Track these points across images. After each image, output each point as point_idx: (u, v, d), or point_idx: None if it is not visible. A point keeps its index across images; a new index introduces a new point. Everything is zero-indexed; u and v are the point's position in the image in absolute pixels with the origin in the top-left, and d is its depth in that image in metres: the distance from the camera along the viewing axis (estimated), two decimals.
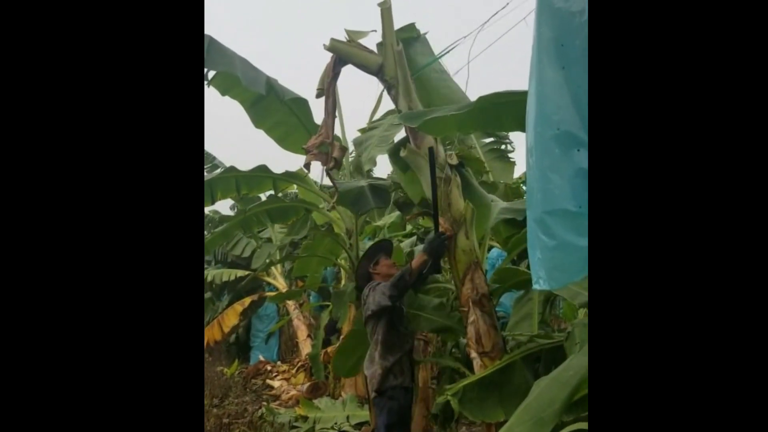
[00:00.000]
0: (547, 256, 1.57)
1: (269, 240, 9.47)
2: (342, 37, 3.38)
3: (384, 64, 3.26)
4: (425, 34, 3.90)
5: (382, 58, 3.27)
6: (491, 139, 5.77)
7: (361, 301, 3.66)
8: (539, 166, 1.60)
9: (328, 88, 3.39)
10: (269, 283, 9.75)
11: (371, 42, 3.42)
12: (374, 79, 3.38)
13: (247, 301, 9.31)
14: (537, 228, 1.59)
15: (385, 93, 3.42)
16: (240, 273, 9.29)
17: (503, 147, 5.72)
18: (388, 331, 3.49)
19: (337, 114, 3.59)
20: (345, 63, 3.39)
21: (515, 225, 3.76)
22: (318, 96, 3.47)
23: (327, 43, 3.33)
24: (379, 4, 3.23)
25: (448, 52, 3.41)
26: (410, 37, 3.76)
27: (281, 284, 9.43)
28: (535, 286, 1.64)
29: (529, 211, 1.65)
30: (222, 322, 9.13)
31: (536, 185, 1.61)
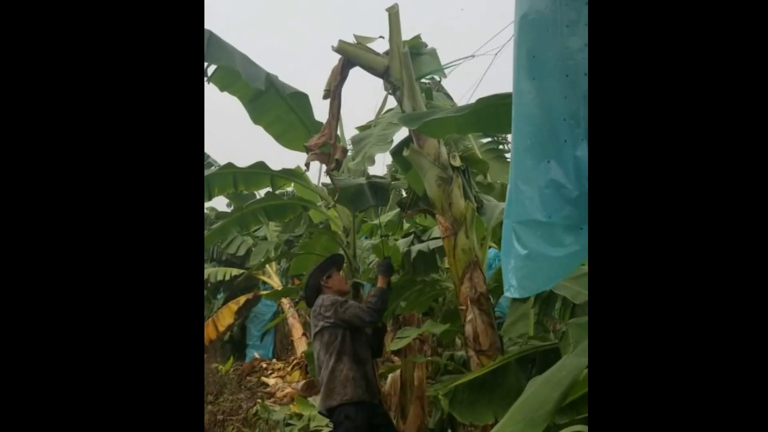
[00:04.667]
0: (518, 265, 1.60)
1: (264, 238, 9.45)
2: (344, 37, 3.45)
3: (390, 66, 3.35)
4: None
5: (389, 60, 3.35)
6: (488, 139, 5.78)
7: (312, 318, 3.57)
8: (513, 176, 1.63)
9: (334, 91, 3.47)
10: (264, 282, 9.75)
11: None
12: (373, 88, 3.45)
13: (242, 299, 9.30)
14: (512, 237, 1.62)
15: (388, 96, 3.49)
16: (235, 272, 9.28)
17: (500, 147, 5.73)
18: (354, 342, 3.43)
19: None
20: (352, 65, 3.47)
21: None
22: (325, 97, 3.54)
23: (335, 44, 3.40)
24: (387, 9, 3.33)
25: (457, 64, 3.48)
26: (415, 47, 3.82)
27: (276, 283, 9.42)
28: (507, 294, 1.67)
29: (506, 219, 1.68)
30: (217, 320, 9.12)
31: (511, 195, 1.64)
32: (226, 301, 9.64)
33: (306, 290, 3.77)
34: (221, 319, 9.13)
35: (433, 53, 3.96)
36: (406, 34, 3.50)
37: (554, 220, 1.51)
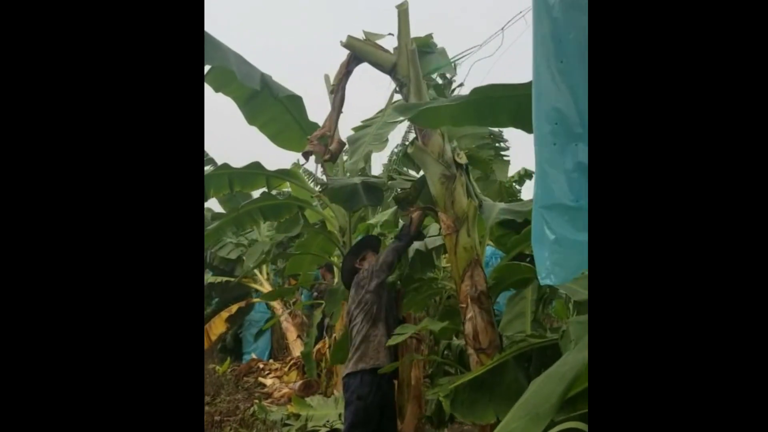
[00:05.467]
0: (550, 251, 1.56)
1: (255, 241, 9.34)
2: (343, 37, 3.45)
3: (397, 62, 3.35)
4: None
5: (396, 57, 3.36)
6: (486, 138, 5.77)
7: (352, 291, 3.62)
8: (538, 160, 1.60)
9: (338, 84, 3.50)
10: (256, 290, 9.63)
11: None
12: (377, 87, 3.46)
13: (234, 308, 9.20)
14: (542, 222, 1.58)
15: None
16: (226, 279, 9.19)
17: (498, 145, 5.72)
18: (389, 312, 3.51)
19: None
20: (360, 61, 3.49)
21: (512, 226, 3.76)
22: (332, 92, 3.57)
23: (344, 40, 3.42)
24: (397, 6, 3.34)
25: (462, 56, 3.49)
26: (426, 45, 3.83)
27: (267, 289, 9.32)
28: (543, 283, 1.62)
29: (535, 206, 1.64)
30: (209, 330, 8.95)
31: (537, 180, 1.61)
32: (217, 310, 9.49)
33: (343, 277, 3.86)
34: (213, 328, 8.98)
35: (443, 52, 3.98)
36: (415, 31, 3.50)
37: (582, 204, 1.47)
